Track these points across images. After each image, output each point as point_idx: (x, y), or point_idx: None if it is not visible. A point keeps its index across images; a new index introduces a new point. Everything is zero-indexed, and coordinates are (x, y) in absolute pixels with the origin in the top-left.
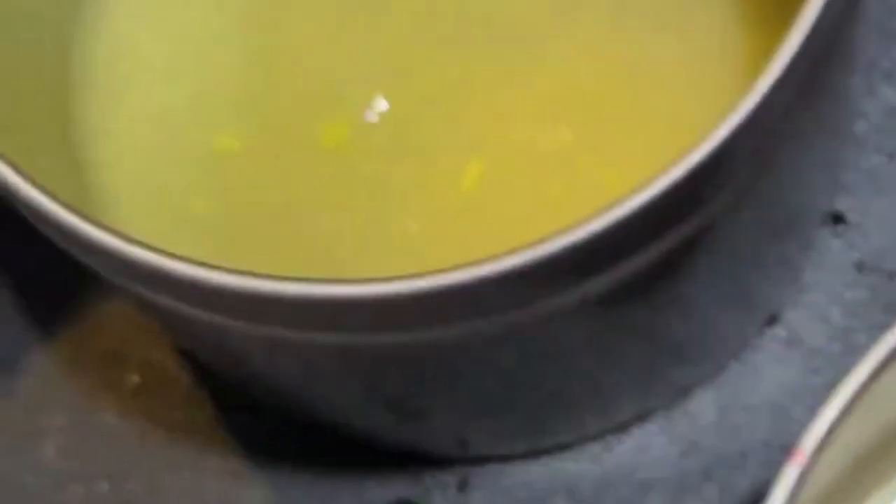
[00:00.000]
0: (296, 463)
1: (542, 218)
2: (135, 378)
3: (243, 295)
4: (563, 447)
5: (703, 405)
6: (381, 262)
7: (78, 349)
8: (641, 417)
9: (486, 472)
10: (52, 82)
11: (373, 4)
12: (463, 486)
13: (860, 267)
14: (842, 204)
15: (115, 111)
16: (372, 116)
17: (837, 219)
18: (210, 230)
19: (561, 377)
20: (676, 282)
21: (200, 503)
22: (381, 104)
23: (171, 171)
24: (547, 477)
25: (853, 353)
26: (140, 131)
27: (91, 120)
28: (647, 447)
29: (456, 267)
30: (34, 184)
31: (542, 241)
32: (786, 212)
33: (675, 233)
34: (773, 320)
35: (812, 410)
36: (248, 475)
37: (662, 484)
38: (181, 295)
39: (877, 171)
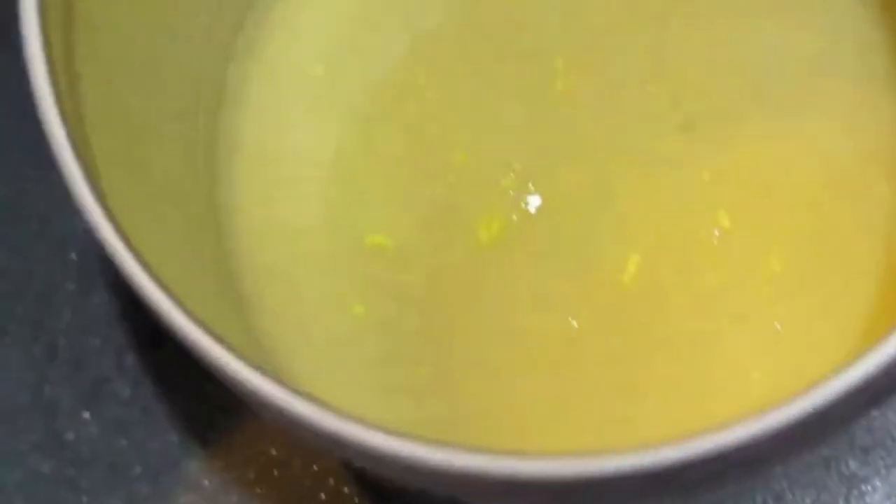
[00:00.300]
0: None
1: (701, 309)
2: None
3: (449, 473)
4: None
5: None
6: (543, 358)
7: (237, 459)
8: None
9: None
10: (201, 206)
11: (528, 97)
12: None
13: None
14: None
15: (265, 220)
16: (528, 211)
17: None
18: (371, 330)
19: None
20: None
21: None
22: (536, 199)
23: (328, 275)
24: None
25: None
26: (291, 237)
27: (243, 237)
28: None
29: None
30: (210, 334)
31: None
32: None
33: None
34: None
35: None
36: None
37: None
38: (377, 463)
39: None
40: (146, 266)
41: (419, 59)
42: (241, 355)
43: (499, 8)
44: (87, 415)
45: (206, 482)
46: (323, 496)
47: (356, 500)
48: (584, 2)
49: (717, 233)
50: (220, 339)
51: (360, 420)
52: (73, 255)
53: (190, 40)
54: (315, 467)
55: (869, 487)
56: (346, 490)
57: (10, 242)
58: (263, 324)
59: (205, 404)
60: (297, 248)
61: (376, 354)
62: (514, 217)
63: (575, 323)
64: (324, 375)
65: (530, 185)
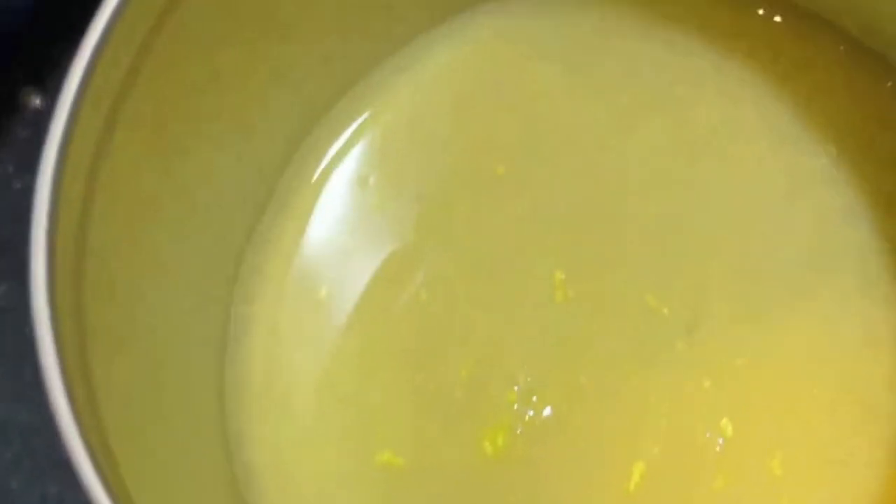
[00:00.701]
0: None
1: None
2: None
3: None
4: None
5: None
6: None
7: None
8: None
9: None
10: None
11: (529, 311)
12: None
13: None
14: None
15: (277, 440)
16: (532, 423)
17: None
18: None
19: None
20: None
21: None
22: (540, 411)
23: (341, 492)
24: None
25: None
26: (302, 454)
27: (255, 455)
28: None
29: None
30: None
31: None
32: None
33: None
34: None
35: None
36: None
37: None
38: None
39: None
40: None
41: (420, 280)
42: None
43: (497, 228)
44: None
45: None
46: None
47: None
48: (581, 218)
49: (720, 440)
50: None
51: None
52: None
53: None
54: None
55: None
56: None
57: None
58: None
59: None
60: (311, 467)
61: None
62: (519, 430)
63: None
64: None
65: (534, 398)
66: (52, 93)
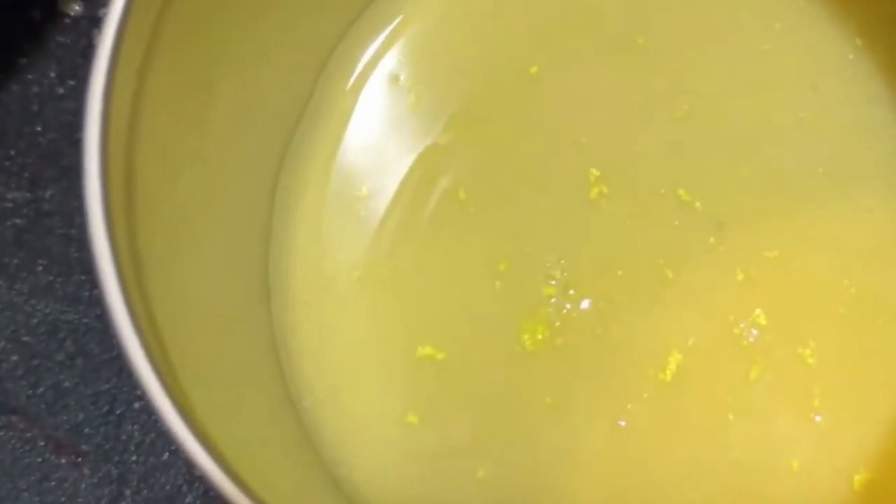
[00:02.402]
0: None
1: (740, 403)
2: None
3: None
4: None
5: None
6: (593, 459)
7: None
8: None
9: None
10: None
11: (565, 206)
12: None
13: None
14: None
15: (321, 340)
16: (570, 316)
17: None
18: (425, 438)
19: None
20: None
21: None
22: (577, 304)
23: (383, 387)
24: None
25: None
26: (348, 350)
27: (300, 359)
28: None
29: None
30: None
31: None
32: None
33: None
34: None
35: None
36: None
37: None
38: None
39: None
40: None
41: (458, 178)
42: None
43: (531, 127)
44: None
45: None
46: None
47: None
48: (614, 118)
49: (753, 331)
50: None
51: None
52: None
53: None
54: None
55: None
56: None
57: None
58: (324, 438)
59: None
60: (352, 363)
61: (431, 462)
62: (557, 323)
63: (623, 423)
64: (382, 484)
65: (571, 291)
66: (91, 0)
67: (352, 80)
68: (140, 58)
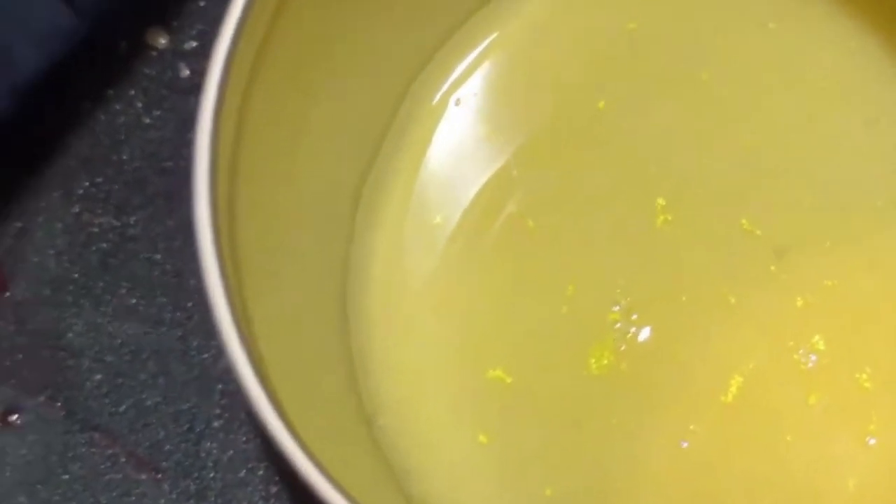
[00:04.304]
0: None
1: (799, 425)
2: None
3: None
4: None
5: None
6: (657, 478)
7: None
8: None
9: None
10: (338, 358)
11: (631, 234)
12: None
13: None
14: None
15: (396, 359)
16: (635, 341)
17: None
18: (495, 457)
19: None
20: None
21: None
22: (642, 330)
23: (455, 407)
24: None
25: None
26: (422, 372)
27: (377, 376)
28: None
29: None
30: None
31: None
32: None
33: None
34: None
35: None
36: None
37: None
38: None
39: None
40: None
41: (527, 207)
42: None
43: (599, 159)
44: None
45: None
46: None
47: None
48: (680, 148)
49: (812, 357)
50: None
51: None
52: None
53: (321, 199)
54: None
55: None
56: None
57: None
58: (398, 454)
59: None
60: (425, 384)
61: (500, 480)
62: (623, 347)
63: (685, 444)
64: (451, 502)
65: (634, 315)
66: (176, 32)
67: (433, 102)
68: (242, 89)
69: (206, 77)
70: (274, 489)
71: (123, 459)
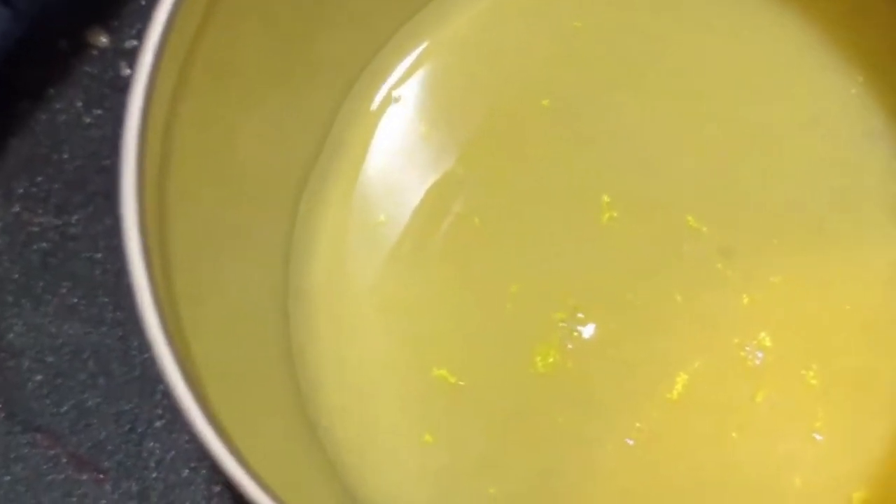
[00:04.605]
0: None
1: (745, 422)
2: None
3: None
4: None
5: None
6: (602, 475)
7: None
8: None
9: None
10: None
11: (575, 231)
12: None
13: None
14: None
15: (338, 359)
16: (581, 339)
17: None
18: (440, 457)
19: None
20: None
21: None
22: (588, 328)
23: (399, 407)
24: None
25: None
26: (366, 372)
27: (318, 378)
28: None
29: None
30: None
31: None
32: None
33: None
34: None
35: None
36: None
37: None
38: None
39: None
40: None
41: (472, 205)
42: None
43: (543, 156)
44: None
45: None
46: None
47: None
48: (624, 146)
49: (759, 354)
50: None
51: None
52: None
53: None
54: None
55: None
56: None
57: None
58: (342, 457)
59: None
60: (369, 385)
61: (445, 479)
62: (569, 345)
63: (631, 442)
64: (395, 501)
65: (580, 314)
66: (117, 31)
67: (373, 107)
68: (172, 86)
69: (133, 79)
70: (216, 489)
71: (65, 460)
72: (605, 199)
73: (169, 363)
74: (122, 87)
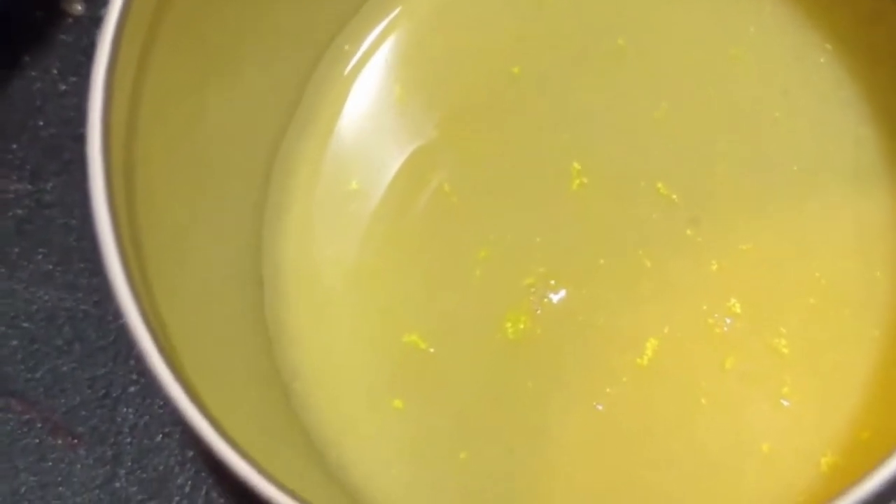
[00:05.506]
0: None
1: (714, 388)
2: None
3: None
4: None
5: None
6: (571, 442)
7: None
8: None
9: None
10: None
11: (546, 198)
12: None
13: None
14: None
15: (311, 328)
16: (551, 305)
17: None
18: (410, 422)
19: None
20: None
21: None
22: (558, 294)
23: (369, 373)
24: None
25: None
26: (337, 337)
27: (291, 345)
28: None
29: None
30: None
31: None
32: None
33: None
34: None
35: None
36: None
37: None
38: None
39: None
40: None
41: (443, 172)
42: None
43: (514, 124)
44: None
45: None
46: None
47: None
48: (595, 113)
49: (728, 320)
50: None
51: None
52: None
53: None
54: None
55: None
56: None
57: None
58: (313, 420)
59: None
60: (340, 350)
61: (416, 445)
62: (539, 311)
63: (600, 407)
64: (368, 465)
65: (552, 280)
66: (92, 0)
67: (345, 73)
68: (138, 54)
69: (96, 52)
70: (190, 453)
71: (40, 425)
72: (576, 166)
73: (139, 326)
74: None
